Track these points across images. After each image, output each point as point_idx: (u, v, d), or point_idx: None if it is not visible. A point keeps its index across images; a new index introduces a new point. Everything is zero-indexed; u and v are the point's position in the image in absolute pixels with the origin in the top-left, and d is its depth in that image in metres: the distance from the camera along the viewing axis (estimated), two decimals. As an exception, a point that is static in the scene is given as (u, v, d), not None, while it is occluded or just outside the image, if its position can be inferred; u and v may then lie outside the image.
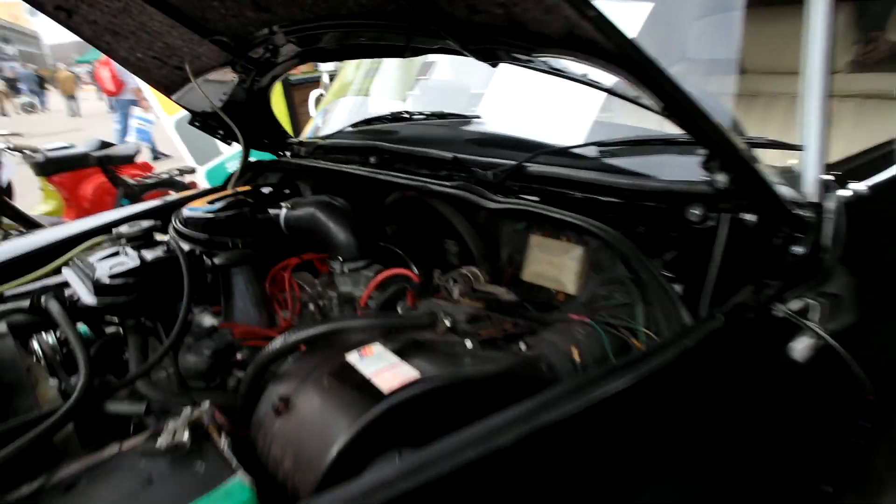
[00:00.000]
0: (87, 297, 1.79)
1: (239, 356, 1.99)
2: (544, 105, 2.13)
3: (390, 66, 3.20)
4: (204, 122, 2.99)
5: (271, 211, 2.27)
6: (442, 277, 1.64)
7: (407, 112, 2.54)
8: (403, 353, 1.38)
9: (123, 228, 2.09)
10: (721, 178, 1.40)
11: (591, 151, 1.87)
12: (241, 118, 2.91)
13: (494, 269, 1.98)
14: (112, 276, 1.78)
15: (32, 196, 6.83)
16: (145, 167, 6.64)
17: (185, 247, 1.95)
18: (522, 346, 1.43)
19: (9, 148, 5.30)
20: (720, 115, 1.30)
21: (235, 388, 1.80)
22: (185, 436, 1.33)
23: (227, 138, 3.06)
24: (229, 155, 6.40)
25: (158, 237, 2.14)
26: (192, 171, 6.24)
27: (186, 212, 2.37)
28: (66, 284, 1.89)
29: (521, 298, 1.88)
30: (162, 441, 1.34)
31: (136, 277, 1.80)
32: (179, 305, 2.11)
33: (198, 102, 2.90)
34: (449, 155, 2.06)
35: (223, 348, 1.84)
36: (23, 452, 1.32)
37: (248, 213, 2.29)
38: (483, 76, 2.43)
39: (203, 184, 6.38)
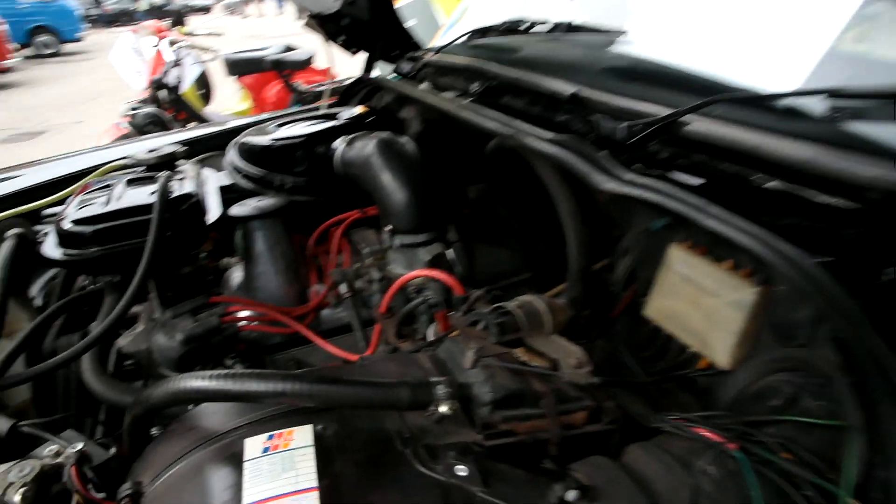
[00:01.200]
0: (49, 247, 1.36)
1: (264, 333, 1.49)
2: (735, 20, 1.26)
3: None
4: (323, 27, 2.45)
5: (336, 145, 1.68)
6: (468, 314, 0.94)
7: (525, 21, 1.76)
8: (339, 457, 0.74)
9: (141, 153, 1.64)
10: None
11: (815, 106, 1.01)
12: (366, 25, 2.34)
13: (602, 288, 1.23)
14: (76, 222, 1.32)
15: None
16: (324, 73, 6.41)
17: (187, 187, 1.44)
18: (571, 496, 0.71)
19: (183, 46, 5.29)
20: None
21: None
22: (17, 498, 0.84)
23: (350, 46, 2.52)
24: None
25: (188, 168, 1.66)
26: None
27: (246, 138, 1.88)
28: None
29: (635, 348, 1.12)
30: None
31: (107, 225, 1.32)
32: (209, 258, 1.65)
33: (314, 1, 2.36)
34: (567, 89, 1.30)
35: (200, 333, 1.33)
36: None
37: (307, 143, 1.73)
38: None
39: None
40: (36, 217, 1.69)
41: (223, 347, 1.40)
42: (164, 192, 1.34)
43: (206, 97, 6.67)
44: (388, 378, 0.82)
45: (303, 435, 0.77)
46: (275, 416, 0.82)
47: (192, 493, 0.73)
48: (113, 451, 1.05)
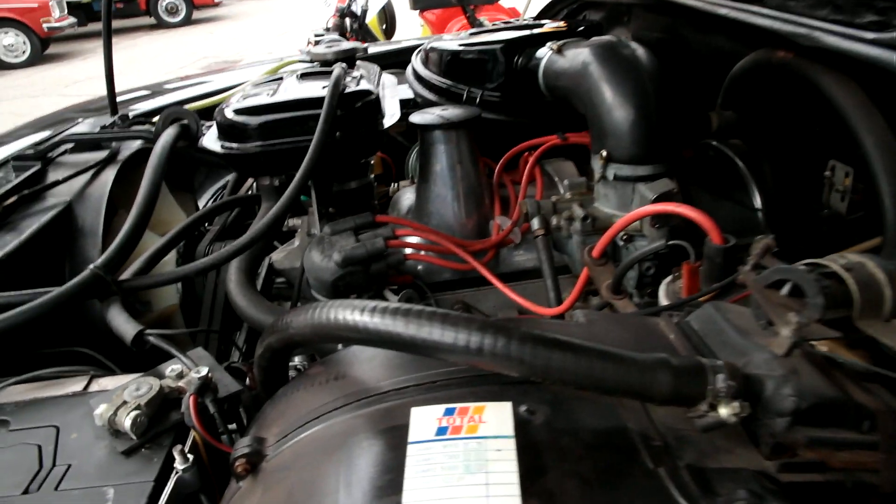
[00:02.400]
0: (208, 139, 1.20)
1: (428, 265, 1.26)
2: None
3: None
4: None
5: (540, 54, 1.38)
6: (758, 271, 0.60)
7: None
8: (555, 464, 0.47)
9: (318, 48, 1.44)
10: None
11: None
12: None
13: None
14: (238, 112, 1.14)
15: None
16: (510, 13, 6.06)
17: (365, 84, 1.21)
18: None
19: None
20: None
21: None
22: (128, 423, 0.67)
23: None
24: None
25: (367, 67, 1.45)
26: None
27: (433, 44, 1.64)
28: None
29: None
30: (100, 412, 0.69)
31: (270, 118, 1.13)
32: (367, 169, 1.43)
33: None
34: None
35: (361, 256, 1.11)
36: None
37: (505, 51, 1.45)
38: None
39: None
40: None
41: (382, 277, 1.18)
42: (338, 83, 1.12)
43: (388, 33, 6.61)
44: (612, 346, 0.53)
45: (498, 416, 0.50)
46: (451, 380, 0.56)
47: (328, 473, 0.49)
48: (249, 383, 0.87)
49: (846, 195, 1.13)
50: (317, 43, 4.46)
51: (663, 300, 0.83)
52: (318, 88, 1.17)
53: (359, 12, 5.46)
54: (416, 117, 1.26)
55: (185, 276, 0.99)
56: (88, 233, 1.15)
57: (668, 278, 0.87)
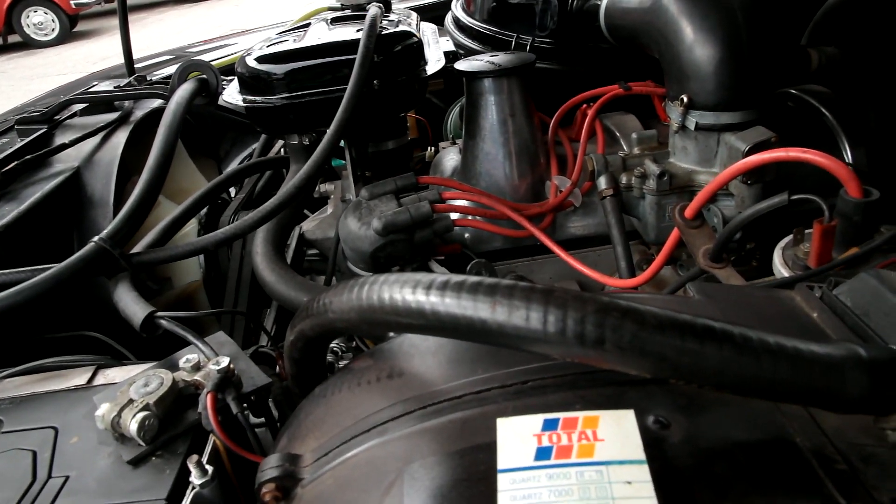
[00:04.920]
0: (229, 93, 1.07)
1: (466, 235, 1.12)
2: None
3: None
4: None
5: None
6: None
7: None
8: (710, 501, 0.32)
9: (350, -8, 1.29)
10: None
11: None
12: None
13: None
14: (261, 59, 1.00)
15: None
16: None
17: (405, 27, 1.06)
18: None
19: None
20: None
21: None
22: (133, 426, 0.53)
23: None
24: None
25: (405, 11, 1.30)
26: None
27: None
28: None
29: None
30: (101, 413, 0.56)
31: (297, 65, 0.99)
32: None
33: None
34: None
35: (405, 222, 0.96)
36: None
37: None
38: None
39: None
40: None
41: (429, 246, 1.04)
42: (374, 24, 0.97)
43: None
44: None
45: (620, 431, 0.36)
46: (547, 378, 0.42)
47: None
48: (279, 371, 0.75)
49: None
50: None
51: (780, 270, 0.68)
52: (351, 32, 1.03)
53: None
54: (463, 64, 1.10)
55: (203, 247, 0.86)
56: (98, 202, 1.03)
57: (785, 241, 0.71)
